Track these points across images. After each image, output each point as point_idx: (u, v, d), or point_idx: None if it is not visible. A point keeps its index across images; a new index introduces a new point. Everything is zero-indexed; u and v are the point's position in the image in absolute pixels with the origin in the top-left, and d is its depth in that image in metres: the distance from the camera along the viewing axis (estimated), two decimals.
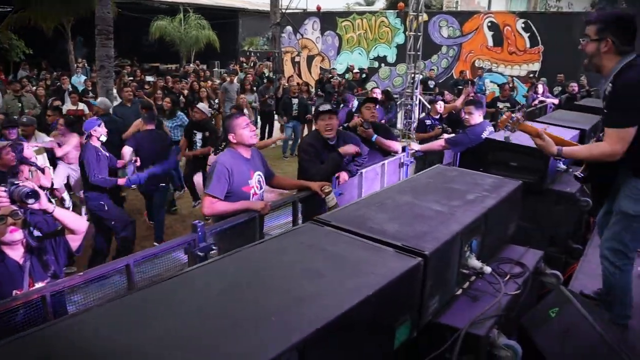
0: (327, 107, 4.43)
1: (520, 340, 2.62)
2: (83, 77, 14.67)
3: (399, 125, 13.28)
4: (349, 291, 1.79)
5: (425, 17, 17.36)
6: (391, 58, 18.82)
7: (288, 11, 18.34)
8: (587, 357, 2.18)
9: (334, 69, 18.61)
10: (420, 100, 13.18)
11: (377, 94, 4.76)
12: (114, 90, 10.65)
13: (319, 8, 19.98)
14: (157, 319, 1.62)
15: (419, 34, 13.30)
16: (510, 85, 12.75)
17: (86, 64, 18.21)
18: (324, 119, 4.30)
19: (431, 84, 15.48)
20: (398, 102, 13.24)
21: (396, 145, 5.14)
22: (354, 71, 16.57)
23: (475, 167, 4.83)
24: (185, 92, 11.11)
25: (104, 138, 5.36)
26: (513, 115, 3.15)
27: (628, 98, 2.63)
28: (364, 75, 17.50)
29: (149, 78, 16.05)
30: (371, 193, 3.23)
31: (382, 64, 19.05)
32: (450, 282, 2.45)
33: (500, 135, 4.86)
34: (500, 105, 10.28)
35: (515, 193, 3.15)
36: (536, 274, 3.08)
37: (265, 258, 2.11)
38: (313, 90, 14.82)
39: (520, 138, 4.51)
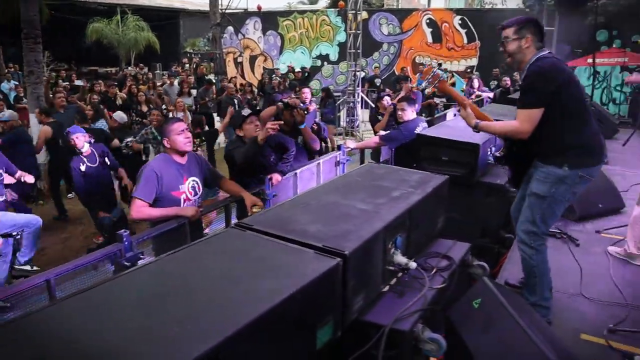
0: (248, 111, 4.46)
1: (448, 333, 2.68)
2: (14, 83, 14.05)
3: (342, 123, 13.36)
4: (264, 296, 1.76)
5: (365, 15, 17.59)
6: (333, 56, 18.92)
7: (228, 11, 18.15)
8: (507, 348, 2.23)
9: (277, 68, 18.55)
10: (362, 97, 13.29)
11: (307, 94, 4.73)
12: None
13: (259, 8, 19.86)
14: (67, 332, 1.55)
15: (358, 32, 13.41)
16: (451, 81, 13.04)
17: (18, 69, 17.44)
18: (251, 122, 4.30)
19: (377, 81, 15.64)
20: (340, 100, 13.31)
21: (317, 145, 5.15)
22: (296, 71, 16.56)
23: (409, 163, 4.90)
24: (120, 96, 10.78)
25: None
26: (434, 69, 3.30)
27: (535, 82, 2.88)
28: (306, 74, 17.50)
29: (78, 82, 15.41)
30: (299, 194, 3.21)
31: (325, 63, 19.13)
32: (376, 279, 2.46)
33: (431, 131, 4.97)
34: (437, 100, 10.48)
35: (441, 188, 3.21)
36: (463, 266, 3.16)
37: (182, 266, 2.06)
38: (256, 90, 14.71)
39: (450, 133, 4.62)
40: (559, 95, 2.82)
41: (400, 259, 2.58)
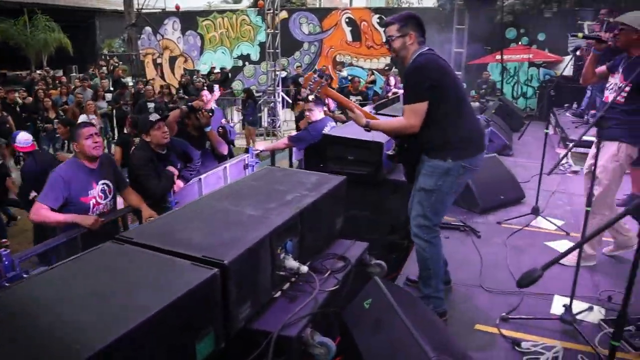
0: (156, 116, 4.31)
1: (342, 335, 2.69)
2: None
3: (264, 124, 13.27)
4: (133, 312, 1.68)
5: (284, 14, 17.56)
6: (255, 56, 18.73)
7: (145, 11, 17.57)
8: (394, 348, 2.24)
9: (197, 70, 18.18)
10: (282, 97, 13.26)
11: (206, 96, 4.61)
12: None
13: (177, 7, 19.35)
14: None
15: (276, 31, 13.35)
16: (370, 79, 13.25)
17: None
18: (159, 128, 4.17)
19: (301, 80, 15.59)
20: (260, 101, 13.21)
21: (225, 149, 5.06)
22: (215, 71, 16.28)
23: (317, 163, 4.92)
24: (22, 102, 10.16)
25: None
26: (315, 75, 3.28)
27: (413, 78, 2.95)
28: (226, 75, 17.26)
29: None
30: (189, 202, 3.12)
31: (247, 63, 18.91)
32: (265, 286, 2.42)
33: (336, 130, 5.00)
34: (353, 99, 10.59)
35: (338, 188, 3.22)
36: (361, 266, 3.19)
37: (53, 284, 1.94)
38: (175, 92, 14.33)
39: (354, 132, 4.65)
40: (436, 90, 2.88)
41: (291, 263, 2.56)
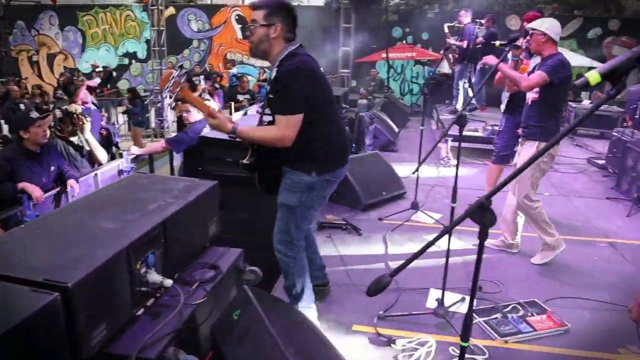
0: (36, 114, 4.01)
1: (213, 349, 2.58)
2: None
3: (152, 125, 12.74)
4: None
5: (172, 10, 16.97)
6: (142, 54, 17.94)
7: (16, 3, 16.23)
8: None
9: (76, 69, 17.10)
10: (171, 96, 12.78)
11: (85, 97, 4.31)
12: None
13: (54, 1, 18.07)
14: None
15: (162, 28, 12.85)
16: (263, 77, 13.10)
17: None
18: (39, 126, 3.89)
19: (197, 80, 15.08)
20: (147, 100, 12.67)
21: (103, 155, 4.76)
22: (97, 70, 15.38)
23: (196, 166, 4.75)
24: None
25: None
26: (175, 73, 3.04)
27: (291, 86, 2.68)
28: (114, 74, 16.40)
29: None
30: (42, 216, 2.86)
31: (133, 61, 18.09)
32: (123, 305, 2.25)
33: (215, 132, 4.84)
34: (241, 97, 10.45)
35: (209, 194, 3.08)
36: (235, 274, 3.08)
37: None
38: (52, 92, 13.37)
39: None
40: (312, 99, 2.70)
41: (154, 277, 2.40)
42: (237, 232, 4.04)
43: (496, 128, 5.99)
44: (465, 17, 9.48)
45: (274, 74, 2.85)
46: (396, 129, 8.96)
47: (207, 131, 4.88)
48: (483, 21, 9.78)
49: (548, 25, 3.92)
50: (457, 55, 9.69)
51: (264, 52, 2.82)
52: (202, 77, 11.04)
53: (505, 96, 5.17)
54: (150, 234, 2.41)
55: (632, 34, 14.22)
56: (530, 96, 4.04)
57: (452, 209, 3.24)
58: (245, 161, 3.02)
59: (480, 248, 1.57)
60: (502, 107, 5.29)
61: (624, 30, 14.33)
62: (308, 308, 3.06)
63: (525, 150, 4.07)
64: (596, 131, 9.88)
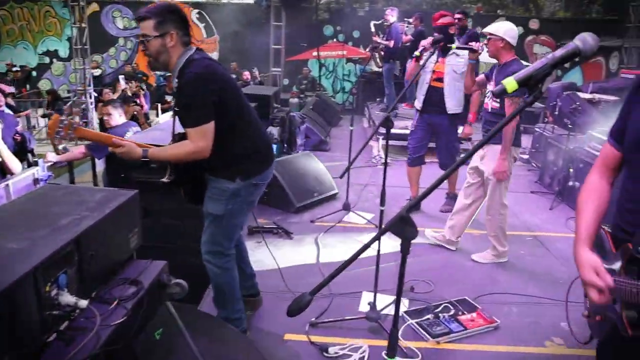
0: None
1: None
2: None
3: None
4: None
5: (95, 6, 16.29)
6: (64, 52, 17.09)
7: None
8: None
9: None
10: (95, 97, 12.26)
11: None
12: None
13: None
14: None
15: (84, 25, 12.28)
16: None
17: None
18: None
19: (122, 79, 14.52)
20: (69, 102, 12.08)
21: (16, 165, 4.43)
22: (14, 69, 14.54)
23: (119, 173, 4.52)
24: None
25: None
26: (63, 118, 2.84)
27: (196, 94, 2.56)
28: (33, 74, 15.56)
29: None
30: None
31: (54, 60, 17.21)
32: (31, 332, 2.07)
33: (137, 136, 4.63)
34: (169, 98, 10.16)
35: (129, 204, 2.92)
36: (159, 288, 2.93)
37: None
38: None
39: (156, 137, 4.34)
40: (220, 103, 2.59)
41: (67, 299, 2.22)
42: (165, 239, 3.89)
43: None
44: (392, 16, 9.62)
45: (175, 85, 2.72)
46: (328, 128, 8.96)
47: (130, 135, 4.67)
48: (411, 20, 9.97)
49: (505, 29, 3.95)
50: (382, 54, 9.83)
51: (164, 63, 2.68)
52: (121, 77, 10.67)
53: (421, 93, 5.18)
54: (62, 252, 2.23)
55: (550, 33, 14.94)
56: (491, 104, 4.09)
57: (381, 212, 3.22)
58: (165, 179, 2.86)
59: (403, 262, 1.53)
60: (417, 104, 5.26)
61: (543, 29, 15.04)
62: (235, 319, 2.96)
63: (491, 156, 4.09)
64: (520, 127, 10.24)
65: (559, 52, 1.42)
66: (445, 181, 4.17)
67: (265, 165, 2.88)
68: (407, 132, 7.76)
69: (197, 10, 16.97)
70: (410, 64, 4.98)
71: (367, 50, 11.43)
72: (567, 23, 14.75)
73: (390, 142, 7.31)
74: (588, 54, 1.41)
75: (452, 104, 5.01)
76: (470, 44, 4.32)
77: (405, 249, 1.48)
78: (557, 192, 6.04)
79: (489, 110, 4.11)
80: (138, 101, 9.79)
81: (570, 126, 5.93)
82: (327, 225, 4.80)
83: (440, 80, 5.00)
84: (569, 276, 4.08)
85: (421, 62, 4.58)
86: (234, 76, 13.24)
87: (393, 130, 3.35)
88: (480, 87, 4.43)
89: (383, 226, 3.11)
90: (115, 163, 4.64)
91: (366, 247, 1.43)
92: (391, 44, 9.42)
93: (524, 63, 4.26)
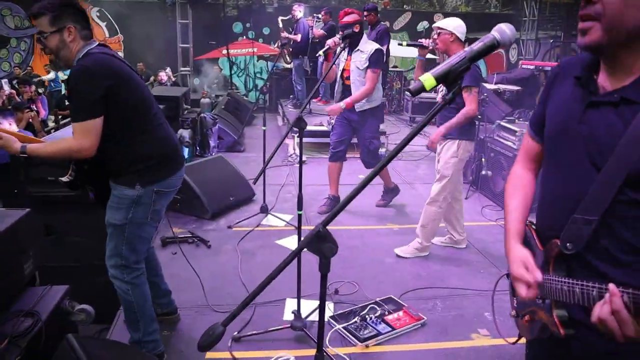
0: None
1: None
2: None
3: None
4: None
5: None
6: None
7: None
8: None
9: None
10: None
11: None
12: None
13: None
14: None
15: None
16: None
17: None
18: None
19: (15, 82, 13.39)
20: None
21: None
22: None
23: (12, 189, 4.12)
24: None
25: None
26: None
27: (79, 87, 2.35)
28: None
29: None
30: None
31: None
32: None
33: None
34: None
35: (20, 225, 2.62)
36: (61, 316, 2.65)
37: None
38: None
39: None
40: (112, 99, 2.37)
41: None
42: (70, 258, 3.57)
43: None
44: (299, 12, 9.53)
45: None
46: (241, 128, 8.72)
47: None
48: (320, 15, 9.92)
49: (455, 25, 3.93)
50: (291, 50, 9.73)
51: (66, 60, 2.46)
52: (4, 81, 9.84)
53: (337, 90, 5.11)
54: None
55: None
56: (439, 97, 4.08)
57: (299, 216, 3.09)
58: (64, 179, 2.59)
59: (323, 283, 1.40)
60: (337, 99, 5.19)
61: None
62: (149, 342, 2.72)
63: (445, 150, 4.11)
64: (435, 119, 10.49)
65: (477, 45, 1.35)
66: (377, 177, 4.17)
67: (170, 170, 2.65)
68: (322, 128, 7.75)
69: (97, 9, 16.07)
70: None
71: (276, 46, 11.27)
72: (469, 17, 15.36)
73: (306, 140, 7.29)
74: (507, 44, 1.35)
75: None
76: (419, 40, 4.29)
77: (324, 268, 1.34)
78: (470, 182, 6.19)
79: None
80: (34, 107, 9.09)
81: (479, 117, 6.09)
82: (245, 230, 4.60)
83: (349, 78, 4.95)
84: (488, 265, 4.18)
85: (331, 60, 4.48)
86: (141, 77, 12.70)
87: (307, 128, 3.22)
88: None
89: (302, 239, 3.00)
90: (7, 179, 4.22)
91: (283, 267, 1.28)
92: (298, 37, 9.34)
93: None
